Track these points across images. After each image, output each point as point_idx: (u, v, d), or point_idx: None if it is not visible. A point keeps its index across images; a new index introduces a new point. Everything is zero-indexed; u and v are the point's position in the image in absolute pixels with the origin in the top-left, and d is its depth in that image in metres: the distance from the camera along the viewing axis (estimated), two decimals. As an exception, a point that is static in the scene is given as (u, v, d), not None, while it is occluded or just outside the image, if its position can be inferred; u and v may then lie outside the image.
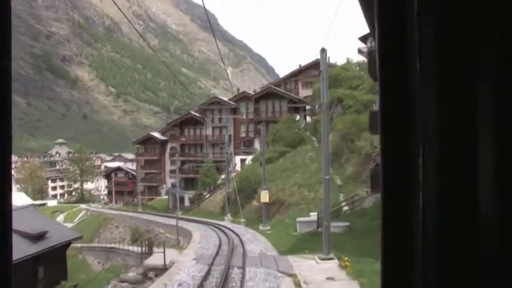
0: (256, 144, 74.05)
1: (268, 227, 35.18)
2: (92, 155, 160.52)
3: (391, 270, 1.09)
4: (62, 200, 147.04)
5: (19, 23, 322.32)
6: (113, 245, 57.48)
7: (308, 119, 72.36)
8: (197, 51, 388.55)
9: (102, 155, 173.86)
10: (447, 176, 1.00)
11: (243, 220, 42.45)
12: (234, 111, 77.42)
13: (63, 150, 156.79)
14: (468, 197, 0.99)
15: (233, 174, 52.95)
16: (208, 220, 48.01)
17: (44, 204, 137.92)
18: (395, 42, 1.07)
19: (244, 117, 77.47)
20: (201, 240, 31.16)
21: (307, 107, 74.19)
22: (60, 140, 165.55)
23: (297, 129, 61.29)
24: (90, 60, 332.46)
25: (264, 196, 35.75)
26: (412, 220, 1.03)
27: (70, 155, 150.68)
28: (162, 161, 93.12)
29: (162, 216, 59.95)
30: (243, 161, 71.08)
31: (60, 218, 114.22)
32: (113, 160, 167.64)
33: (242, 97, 77.76)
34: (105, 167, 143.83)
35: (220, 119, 78.22)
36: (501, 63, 0.97)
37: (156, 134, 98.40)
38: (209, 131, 78.25)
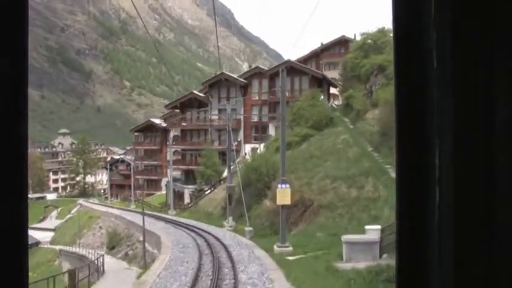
0: (271, 131, 59.12)
1: (289, 248, 20.17)
2: (97, 147, 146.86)
3: (406, 266, 1.04)
4: (63, 193, 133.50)
5: (35, 16, 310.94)
6: (84, 253, 43.93)
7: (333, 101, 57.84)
8: (213, 46, 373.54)
9: (115, 149, 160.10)
10: (464, 169, 0.96)
11: (248, 229, 27.60)
12: (245, 90, 62.39)
13: (67, 141, 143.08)
14: (485, 192, 0.95)
15: (238, 165, 37.91)
16: (203, 226, 33.25)
17: (42, 198, 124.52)
18: (412, 39, 1.03)
19: (257, 97, 62.45)
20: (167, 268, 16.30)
21: (336, 82, 59.81)
22: (63, 130, 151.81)
23: (323, 107, 45.95)
24: (105, 53, 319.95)
25: (284, 195, 20.85)
26: (427, 215, 1.00)
27: (73, 146, 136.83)
28: (163, 151, 78.49)
29: (151, 216, 45.21)
30: (254, 150, 56.19)
31: (54, 213, 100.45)
32: (125, 154, 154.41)
33: (254, 74, 62.62)
34: (111, 158, 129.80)
35: (228, 100, 63.14)
36: None
37: (157, 121, 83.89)
38: (215, 114, 63.28)
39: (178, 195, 62.15)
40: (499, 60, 0.95)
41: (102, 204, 78.97)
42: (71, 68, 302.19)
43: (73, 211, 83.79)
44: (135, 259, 32.64)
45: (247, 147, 59.68)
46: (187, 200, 57.59)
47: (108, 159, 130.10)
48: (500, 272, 0.95)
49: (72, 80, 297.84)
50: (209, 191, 48.01)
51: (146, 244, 31.31)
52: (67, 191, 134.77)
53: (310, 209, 26.42)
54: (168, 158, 59.72)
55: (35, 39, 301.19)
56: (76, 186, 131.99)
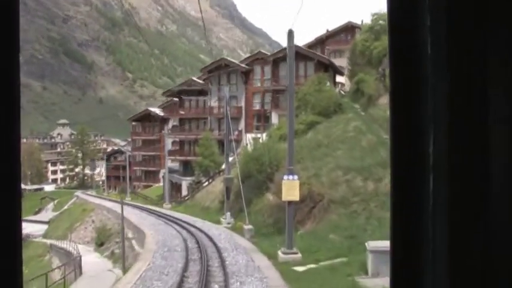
0: (274, 119, 55.01)
1: (298, 254, 16.15)
2: (97, 138, 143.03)
3: (400, 252, 1.03)
4: (62, 185, 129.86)
5: (36, 6, 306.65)
6: (70, 249, 40.53)
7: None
8: (215, 37, 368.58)
9: (117, 140, 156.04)
10: (457, 158, 0.95)
11: (248, 227, 23.70)
12: (246, 76, 58.30)
13: (66, 132, 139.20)
14: (479, 180, 0.94)
15: (238, 155, 33.89)
16: (197, 223, 29.37)
17: (41, 189, 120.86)
18: (407, 26, 1.01)
19: (259, 84, 58.33)
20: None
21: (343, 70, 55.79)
22: (62, 121, 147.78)
23: (331, 92, 41.77)
24: (107, 44, 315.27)
25: (291, 187, 16.87)
26: (422, 204, 0.99)
27: (73, 137, 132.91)
28: (162, 141, 74.50)
29: (143, 210, 41.40)
30: (256, 140, 52.14)
31: (50, 206, 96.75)
32: (127, 145, 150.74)
33: (256, 59, 58.44)
34: (112, 149, 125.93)
35: (228, 87, 59.09)
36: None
37: (156, 110, 79.89)
38: (215, 102, 59.23)
39: (176, 187, 58.32)
40: (493, 49, 0.93)
41: (98, 197, 75.31)
42: (73, 59, 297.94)
43: (69, 203, 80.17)
44: (121, 259, 28.77)
45: (249, 137, 55.60)
46: (185, 192, 53.70)
47: (109, 150, 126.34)
48: (495, 263, 0.93)
49: (74, 71, 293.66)
50: (207, 183, 44.03)
51: (133, 242, 27.44)
52: (66, 182, 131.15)
53: (320, 205, 22.47)
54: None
55: (37, 30, 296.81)
56: (75, 178, 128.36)
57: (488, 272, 0.93)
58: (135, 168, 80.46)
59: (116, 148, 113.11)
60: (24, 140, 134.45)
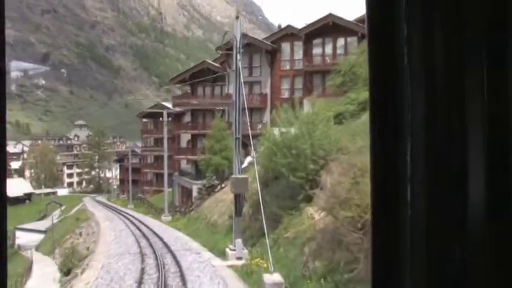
0: (306, 108, 42.25)
1: None
2: (115, 140, 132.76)
3: (380, 261, 1.01)
4: (78, 188, 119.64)
5: (65, 13, 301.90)
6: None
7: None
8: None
9: (139, 143, 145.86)
10: (435, 166, 0.93)
11: (273, 279, 10.85)
12: (272, 56, 46.06)
13: (83, 133, 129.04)
14: (457, 188, 0.92)
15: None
16: (189, 257, 16.95)
17: (54, 193, 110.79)
18: (384, 34, 0.99)
19: (288, 67, 46.06)
20: None
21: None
22: (80, 122, 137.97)
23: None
24: (133, 49, 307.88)
25: None
26: (400, 214, 0.96)
27: (90, 139, 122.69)
28: (176, 140, 62.60)
29: (131, 224, 29.38)
30: (281, 133, 39.70)
31: (57, 212, 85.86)
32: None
33: (284, 35, 46.07)
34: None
35: (250, 70, 47.03)
36: (488, 52, 0.91)
37: (169, 105, 68.04)
38: (233, 88, 46.87)
39: (186, 193, 46.37)
40: (470, 49, 0.91)
41: (103, 204, 64.22)
42: (100, 64, 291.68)
43: (74, 210, 69.32)
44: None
45: (275, 132, 43.12)
46: (198, 196, 41.58)
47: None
48: (472, 270, 0.91)
49: (100, 76, 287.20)
50: (219, 187, 31.74)
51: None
52: (82, 186, 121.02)
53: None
54: (165, 145, 43.44)
55: (66, 36, 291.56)
56: (91, 182, 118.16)
57: (463, 281, 0.90)
58: (145, 170, 69.08)
59: (132, 150, 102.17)
60: (39, 142, 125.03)
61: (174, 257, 16.67)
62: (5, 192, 0.86)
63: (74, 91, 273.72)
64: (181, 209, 37.76)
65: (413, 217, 0.93)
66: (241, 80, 19.20)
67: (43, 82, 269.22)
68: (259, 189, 15.05)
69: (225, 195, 26.39)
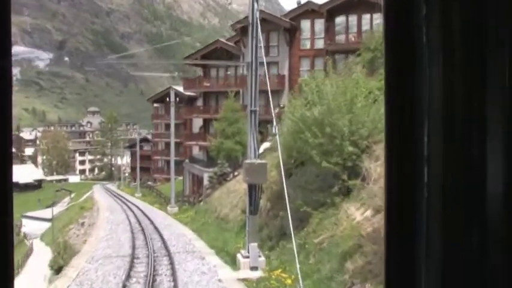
0: (328, 92, 38.06)
1: None
2: (128, 127, 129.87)
3: (395, 252, 0.98)
4: (91, 176, 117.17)
5: (82, 0, 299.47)
6: None
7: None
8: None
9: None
10: (453, 150, 0.91)
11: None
12: (291, 35, 42.01)
13: (96, 120, 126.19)
14: (475, 171, 0.90)
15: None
16: (190, 262, 13.19)
17: (65, 180, 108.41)
18: (402, 15, 0.95)
19: (308, 46, 42.01)
20: None
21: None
22: (92, 108, 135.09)
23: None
24: (149, 37, 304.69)
25: None
26: (416, 198, 0.94)
27: (102, 126, 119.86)
28: (187, 126, 59.04)
29: (133, 215, 25.81)
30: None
31: (66, 199, 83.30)
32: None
33: (304, 12, 41.86)
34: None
35: (267, 49, 42.96)
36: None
37: (181, 89, 64.43)
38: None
39: (197, 182, 42.82)
40: (492, 40, 0.88)
41: (111, 191, 61.19)
42: (116, 51, 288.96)
43: (83, 198, 66.50)
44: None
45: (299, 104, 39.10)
46: (207, 186, 37.95)
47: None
48: (491, 259, 0.89)
49: (116, 63, 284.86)
50: (232, 175, 28.01)
51: None
52: (94, 173, 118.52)
53: None
54: (172, 128, 39.66)
55: (82, 23, 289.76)
56: (103, 169, 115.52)
57: (485, 268, 0.88)
58: (156, 157, 65.77)
59: (143, 136, 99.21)
60: (52, 128, 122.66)
61: (172, 263, 13.00)
62: (11, 184, 0.85)
63: (90, 78, 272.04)
64: (190, 199, 34.15)
65: (430, 199, 0.91)
66: (259, 34, 15.26)
67: (59, 69, 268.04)
68: (283, 176, 11.26)
69: (238, 185, 22.64)
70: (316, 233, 11.26)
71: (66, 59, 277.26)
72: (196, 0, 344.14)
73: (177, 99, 65.20)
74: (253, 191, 11.56)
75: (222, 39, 46.65)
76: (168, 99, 41.36)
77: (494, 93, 0.88)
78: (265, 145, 33.36)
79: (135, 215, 27.96)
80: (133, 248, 16.42)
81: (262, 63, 39.88)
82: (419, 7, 0.90)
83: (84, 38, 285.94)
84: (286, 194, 11.52)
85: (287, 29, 41.57)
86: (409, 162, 0.92)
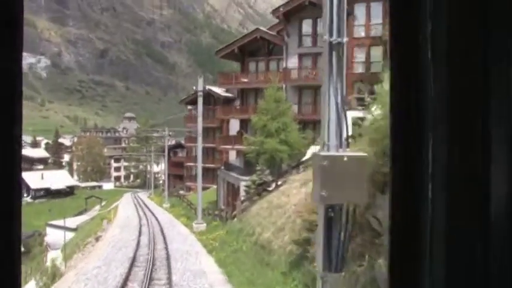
0: (387, 88, 31.06)
1: None
2: (164, 132, 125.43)
3: (398, 261, 0.97)
4: (126, 183, 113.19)
5: (124, 10, 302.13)
6: None
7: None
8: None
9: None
10: (457, 167, 0.90)
11: None
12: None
13: (132, 126, 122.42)
14: (479, 191, 0.89)
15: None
16: None
17: (99, 187, 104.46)
18: (408, 31, 0.96)
19: (363, 34, 35.49)
20: None
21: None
22: (128, 114, 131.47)
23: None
24: (188, 46, 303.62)
25: None
26: (420, 212, 0.93)
27: (138, 132, 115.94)
28: (224, 130, 52.99)
29: (157, 233, 19.54)
30: (361, 120, 28.66)
31: (97, 207, 78.72)
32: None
33: (360, -7, 35.25)
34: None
35: (314, 38, 36.73)
36: None
37: (218, 90, 58.60)
38: (293, 62, 36.85)
39: (233, 192, 36.64)
40: (493, 54, 0.88)
41: (138, 200, 55.93)
42: (156, 60, 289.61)
43: (113, 206, 61.47)
44: None
45: (348, 116, 32.26)
46: (243, 198, 31.46)
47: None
48: (495, 270, 0.88)
49: (156, 72, 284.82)
50: (274, 184, 21.50)
51: None
52: (130, 180, 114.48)
53: None
54: (199, 130, 33.24)
55: (123, 33, 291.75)
56: (139, 176, 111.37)
57: (489, 278, 0.88)
58: (189, 164, 60.14)
59: (178, 142, 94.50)
60: (88, 134, 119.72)
61: None
62: (20, 191, 0.85)
63: (130, 86, 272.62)
64: (221, 213, 27.79)
65: (434, 214, 0.90)
66: None
67: (101, 78, 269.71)
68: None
69: (284, 198, 16.11)
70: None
71: (108, 67, 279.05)
72: (235, 9, 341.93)
73: (213, 100, 59.43)
74: (334, 220, 5.20)
75: (262, 28, 40.46)
76: (198, 97, 35.36)
77: (499, 108, 0.87)
78: (315, 149, 26.86)
79: (150, 234, 22.00)
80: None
81: (308, 55, 32.93)
82: (425, 23, 0.91)
83: (125, 47, 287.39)
84: (381, 223, 5.13)
85: (338, 14, 34.90)
86: (413, 178, 0.92)
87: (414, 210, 0.92)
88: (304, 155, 25.46)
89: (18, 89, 0.86)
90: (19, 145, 0.85)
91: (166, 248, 17.50)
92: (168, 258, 15.40)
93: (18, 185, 0.84)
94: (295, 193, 15.08)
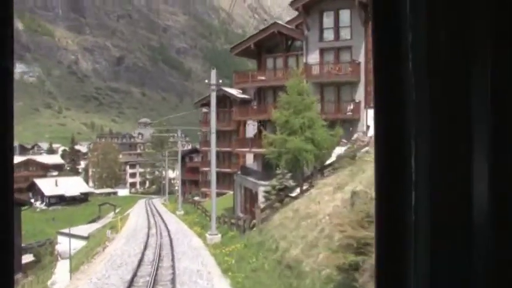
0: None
1: None
2: (180, 138, 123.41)
3: (385, 267, 0.99)
4: (141, 189, 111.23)
5: (140, 18, 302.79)
6: None
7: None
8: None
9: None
10: (440, 173, 0.91)
11: None
12: (367, 13, 32.49)
13: (147, 132, 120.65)
14: (461, 196, 0.91)
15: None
16: None
17: (114, 193, 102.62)
18: (390, 44, 0.97)
19: (390, 25, 31.79)
20: None
21: None
22: (144, 120, 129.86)
23: None
24: (204, 52, 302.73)
25: None
26: (404, 219, 0.94)
27: (153, 138, 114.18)
28: (240, 133, 50.30)
29: (165, 246, 16.73)
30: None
31: (111, 214, 76.57)
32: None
33: (386, -19, 31.90)
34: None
35: (337, 32, 33.93)
36: (495, 61, 0.88)
37: (233, 91, 56.11)
38: (313, 58, 34.01)
39: (251, 198, 33.93)
40: (477, 57, 0.89)
41: (151, 207, 53.46)
42: (171, 66, 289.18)
43: (127, 213, 59.16)
44: None
45: (371, 114, 29.24)
46: (262, 205, 28.48)
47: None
48: (479, 276, 0.88)
49: (172, 78, 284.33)
50: (298, 189, 18.65)
51: None
52: (145, 186, 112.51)
53: None
54: (213, 132, 30.24)
55: (139, 40, 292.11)
56: (154, 182, 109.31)
57: (473, 276, 0.89)
58: (204, 169, 57.56)
59: (193, 147, 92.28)
60: (103, 140, 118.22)
61: None
62: (12, 197, 0.83)
63: (146, 93, 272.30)
64: (238, 222, 24.95)
65: (417, 222, 0.91)
66: None
67: (117, 85, 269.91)
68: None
69: (315, 206, 13.24)
70: None
71: (124, 74, 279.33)
72: (250, 14, 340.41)
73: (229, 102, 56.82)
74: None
75: (280, 22, 37.75)
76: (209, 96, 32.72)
77: (480, 119, 0.88)
78: (340, 150, 24.00)
79: (156, 248, 19.39)
80: None
81: (331, 49, 30.01)
82: (406, 34, 0.92)
83: (141, 53, 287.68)
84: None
85: (363, 4, 32.10)
86: (397, 186, 0.93)
87: (398, 214, 0.93)
88: (329, 156, 22.61)
89: (10, 90, 0.83)
90: (10, 147, 0.82)
91: (173, 267, 14.77)
92: (173, 281, 12.66)
93: (11, 191, 0.81)
94: (328, 200, 12.26)
